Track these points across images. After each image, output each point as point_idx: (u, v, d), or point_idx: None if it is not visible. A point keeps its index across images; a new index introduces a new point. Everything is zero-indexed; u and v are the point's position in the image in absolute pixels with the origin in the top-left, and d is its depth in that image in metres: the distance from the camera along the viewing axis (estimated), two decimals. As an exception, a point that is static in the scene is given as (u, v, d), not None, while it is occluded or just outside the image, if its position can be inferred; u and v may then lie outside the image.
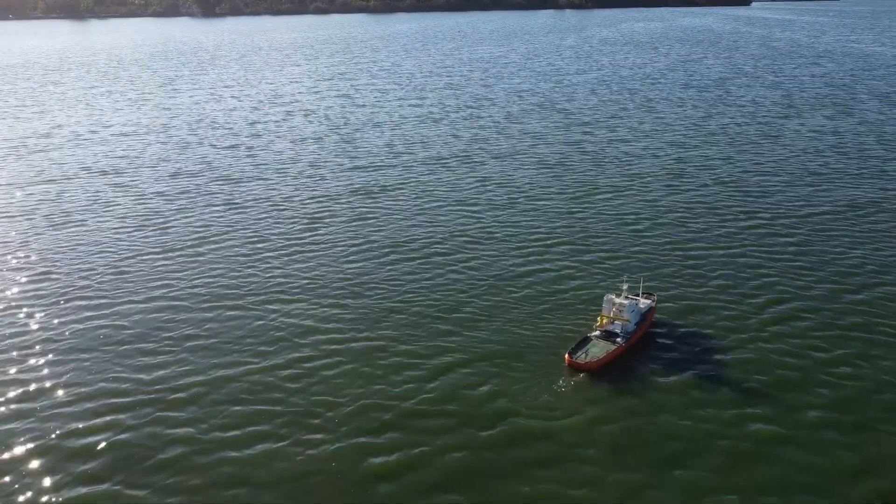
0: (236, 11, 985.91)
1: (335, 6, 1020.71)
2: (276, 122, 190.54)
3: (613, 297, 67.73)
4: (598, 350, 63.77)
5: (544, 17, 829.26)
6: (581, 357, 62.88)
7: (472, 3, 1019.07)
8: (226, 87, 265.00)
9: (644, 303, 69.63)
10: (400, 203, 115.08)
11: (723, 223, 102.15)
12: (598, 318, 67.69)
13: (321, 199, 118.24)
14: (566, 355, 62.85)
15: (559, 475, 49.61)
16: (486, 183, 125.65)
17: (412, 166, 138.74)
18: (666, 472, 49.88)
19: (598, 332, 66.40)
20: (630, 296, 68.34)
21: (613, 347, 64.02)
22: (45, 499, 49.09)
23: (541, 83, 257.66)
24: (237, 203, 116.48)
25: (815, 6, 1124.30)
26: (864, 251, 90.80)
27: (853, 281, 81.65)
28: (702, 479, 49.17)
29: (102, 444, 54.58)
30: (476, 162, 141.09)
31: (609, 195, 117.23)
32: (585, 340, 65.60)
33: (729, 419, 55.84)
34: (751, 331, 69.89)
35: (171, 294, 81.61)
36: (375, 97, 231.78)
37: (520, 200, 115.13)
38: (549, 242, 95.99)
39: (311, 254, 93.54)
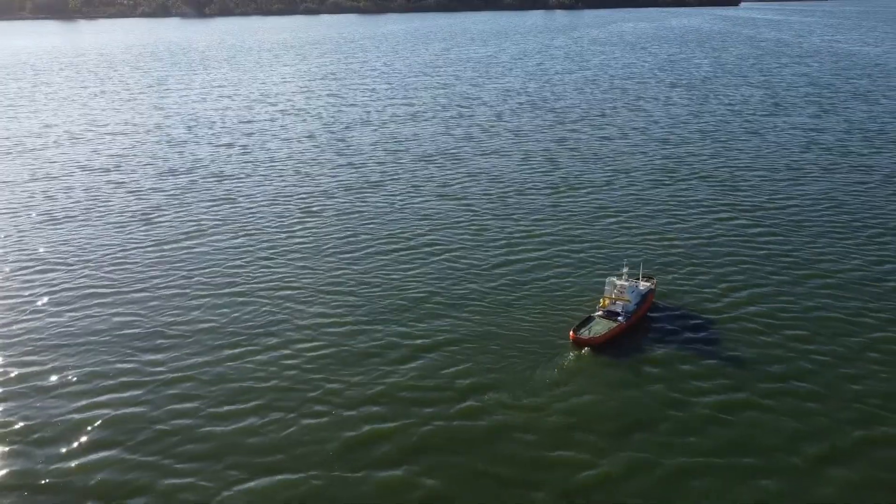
0: (226, 12, 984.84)
1: (325, 6, 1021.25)
2: (268, 120, 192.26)
3: (615, 279, 72.22)
4: (600, 327, 68.03)
5: (535, 17, 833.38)
6: (585, 333, 67.14)
7: (463, 3, 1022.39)
8: (217, 86, 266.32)
9: (644, 285, 73.98)
10: (393, 197, 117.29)
11: (709, 214, 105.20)
12: (601, 299, 71.87)
13: (314, 194, 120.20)
14: (571, 332, 67.03)
15: (564, 438, 53.84)
16: (477, 178, 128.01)
17: (403, 163, 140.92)
18: (660, 434, 54.42)
19: (600, 312, 70.61)
20: (630, 278, 72.59)
21: (615, 325, 68.19)
22: (67, 463, 53.07)
23: (530, 82, 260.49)
24: (230, 198, 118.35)
25: (802, 6, 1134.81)
26: (833, 239, 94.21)
27: (829, 266, 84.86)
28: (691, 443, 53.60)
29: (106, 418, 56.91)
30: (464, 158, 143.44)
31: (602, 188, 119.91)
32: (589, 319, 69.90)
33: (715, 388, 60.43)
34: (737, 310, 74.49)
35: (164, 284, 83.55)
36: (366, 96, 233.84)
37: (511, 195, 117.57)
38: (543, 234, 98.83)
39: (304, 244, 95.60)
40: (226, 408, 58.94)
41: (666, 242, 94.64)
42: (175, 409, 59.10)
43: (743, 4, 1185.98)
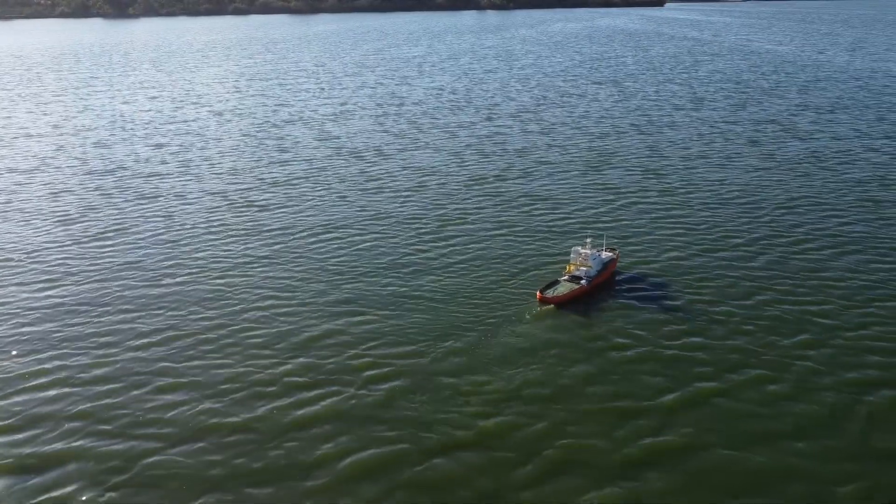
0: (151, 12, 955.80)
1: (255, 7, 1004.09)
2: (195, 120, 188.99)
3: (579, 248, 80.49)
4: (564, 289, 76.84)
5: (467, 17, 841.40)
6: (549, 293, 75.89)
7: (395, 3, 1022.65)
8: (143, 87, 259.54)
9: (606, 254, 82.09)
10: (334, 187, 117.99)
11: (665, 197, 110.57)
12: (567, 266, 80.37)
13: (247, 189, 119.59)
14: (538, 292, 75.75)
15: (533, 374, 63.04)
16: (407, 170, 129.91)
17: (334, 158, 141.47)
18: (608, 374, 63.33)
19: (566, 277, 78.85)
20: (594, 248, 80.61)
21: (576, 287, 76.73)
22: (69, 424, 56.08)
23: (458, 80, 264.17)
24: (157, 195, 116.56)
25: (722, 7, 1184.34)
26: (753, 215, 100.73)
27: (750, 235, 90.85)
28: (637, 383, 61.60)
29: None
30: (391, 154, 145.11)
31: (539, 175, 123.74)
32: (555, 282, 78.57)
33: (666, 335, 69.38)
34: (690, 276, 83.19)
35: (86, 281, 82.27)
36: (295, 96, 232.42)
37: (451, 184, 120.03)
38: (507, 220, 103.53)
39: (237, 239, 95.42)
40: (203, 378, 59.39)
41: (625, 222, 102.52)
42: (105, 401, 58.96)
43: (668, 5, 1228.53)
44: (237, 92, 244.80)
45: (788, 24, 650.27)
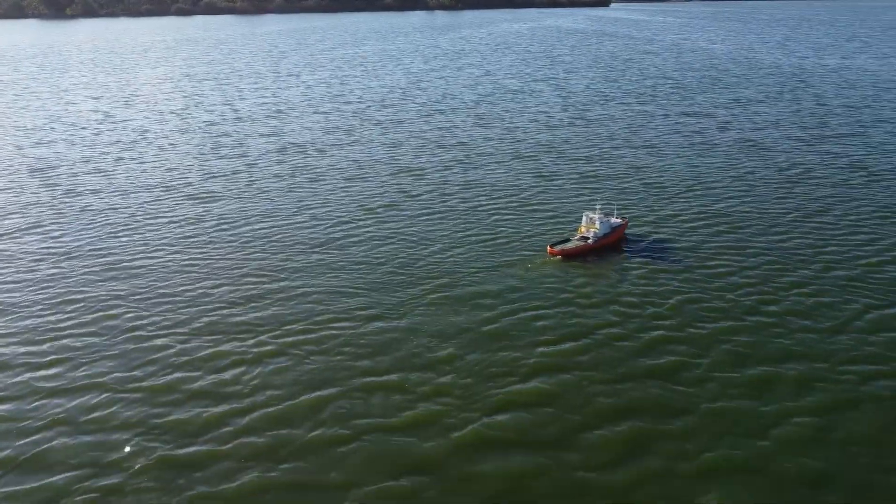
0: (90, 13, 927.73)
1: (199, 7, 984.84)
2: (136, 119, 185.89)
3: (589, 213, 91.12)
4: (571, 245, 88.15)
5: (416, 18, 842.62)
6: (558, 247, 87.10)
7: (343, 4, 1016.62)
8: (84, 87, 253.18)
9: (615, 221, 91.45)
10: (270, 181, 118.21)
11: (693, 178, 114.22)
12: (578, 228, 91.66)
13: (190, 184, 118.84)
14: (548, 247, 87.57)
15: (542, 311, 72.10)
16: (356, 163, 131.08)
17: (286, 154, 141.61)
18: (604, 315, 71.39)
19: (577, 237, 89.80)
20: (602, 213, 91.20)
21: (583, 244, 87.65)
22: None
23: (402, 78, 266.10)
24: (83, 192, 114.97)
25: (665, 7, 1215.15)
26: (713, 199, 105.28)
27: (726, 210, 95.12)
28: (632, 330, 68.30)
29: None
30: (342, 147, 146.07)
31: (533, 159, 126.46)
32: (565, 240, 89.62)
33: (659, 293, 76.21)
34: (692, 242, 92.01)
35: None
36: (240, 94, 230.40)
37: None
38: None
39: (179, 237, 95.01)
40: (205, 352, 59.27)
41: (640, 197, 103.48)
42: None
43: (613, 5, 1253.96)
44: (180, 91, 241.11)
45: (723, 23, 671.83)
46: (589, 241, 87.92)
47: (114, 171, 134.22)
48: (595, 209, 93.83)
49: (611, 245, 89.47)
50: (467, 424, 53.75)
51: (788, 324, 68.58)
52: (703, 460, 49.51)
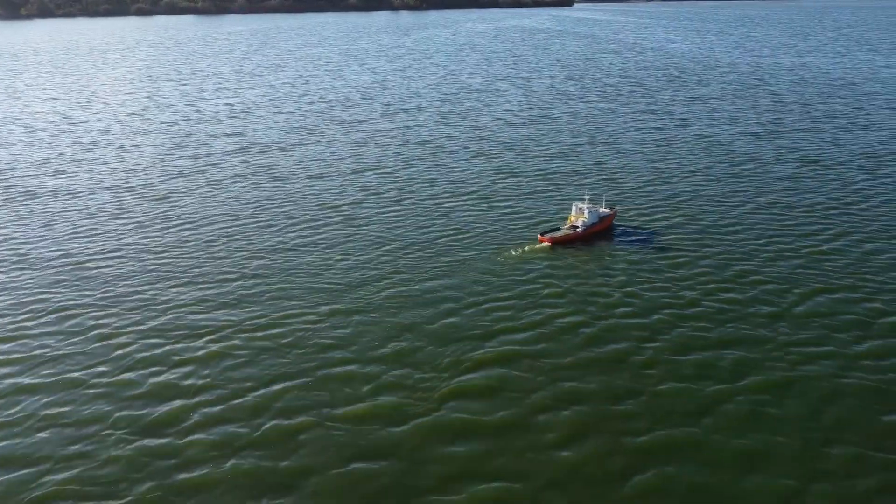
0: (46, 13, 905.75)
1: (160, 7, 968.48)
2: (94, 120, 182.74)
3: (579, 203, 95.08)
4: (560, 233, 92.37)
5: (381, 18, 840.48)
6: (548, 235, 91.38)
7: (307, 4, 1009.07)
8: (39, 89, 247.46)
9: (603, 210, 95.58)
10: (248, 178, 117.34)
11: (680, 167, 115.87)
12: (568, 217, 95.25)
13: (147, 185, 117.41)
14: (539, 235, 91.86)
15: (532, 289, 77.49)
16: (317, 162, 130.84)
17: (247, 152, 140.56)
18: (593, 296, 75.89)
19: (566, 226, 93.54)
20: (590, 203, 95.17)
21: (571, 232, 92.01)
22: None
23: (367, 78, 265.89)
24: (40, 194, 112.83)
25: (627, 7, 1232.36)
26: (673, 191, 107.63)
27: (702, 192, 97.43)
28: (615, 313, 72.04)
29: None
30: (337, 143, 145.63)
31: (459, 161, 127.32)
32: (555, 228, 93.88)
33: (612, 284, 79.18)
34: (649, 234, 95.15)
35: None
36: (201, 95, 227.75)
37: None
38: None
39: (149, 236, 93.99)
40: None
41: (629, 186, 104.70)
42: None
43: (576, 5, 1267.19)
44: (140, 92, 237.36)
45: (684, 23, 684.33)
46: (578, 230, 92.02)
47: (74, 172, 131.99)
48: (584, 199, 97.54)
49: (600, 233, 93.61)
50: (423, 413, 54.98)
51: (733, 311, 71.17)
52: (643, 441, 51.34)
